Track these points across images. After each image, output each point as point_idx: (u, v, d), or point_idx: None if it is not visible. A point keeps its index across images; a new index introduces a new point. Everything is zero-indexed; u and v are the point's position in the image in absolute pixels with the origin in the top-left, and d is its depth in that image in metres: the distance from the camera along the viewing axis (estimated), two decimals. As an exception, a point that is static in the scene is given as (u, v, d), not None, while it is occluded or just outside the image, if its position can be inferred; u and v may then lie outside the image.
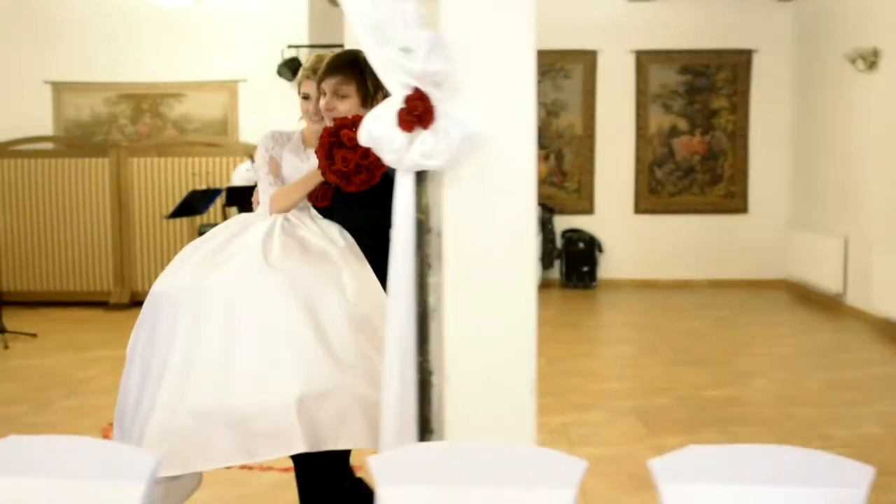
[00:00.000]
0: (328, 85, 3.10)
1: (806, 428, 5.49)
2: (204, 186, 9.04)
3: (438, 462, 1.90)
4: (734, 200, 11.28)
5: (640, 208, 11.27)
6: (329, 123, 3.03)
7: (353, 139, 2.77)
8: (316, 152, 2.96)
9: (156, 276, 10.28)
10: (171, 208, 9.48)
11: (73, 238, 9.93)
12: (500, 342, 2.44)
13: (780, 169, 11.14)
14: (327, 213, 3.21)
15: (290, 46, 9.80)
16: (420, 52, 2.28)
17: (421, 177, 2.41)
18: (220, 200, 8.73)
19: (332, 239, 3.06)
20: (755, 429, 5.51)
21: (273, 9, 10.03)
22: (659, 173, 11.30)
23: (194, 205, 8.28)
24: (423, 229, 2.42)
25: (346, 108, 3.06)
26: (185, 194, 8.84)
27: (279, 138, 3.32)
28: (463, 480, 1.86)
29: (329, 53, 3.29)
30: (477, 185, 2.40)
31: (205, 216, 8.80)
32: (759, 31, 11.05)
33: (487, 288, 2.43)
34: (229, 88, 10.15)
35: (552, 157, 11.33)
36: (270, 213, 3.13)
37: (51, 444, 2.06)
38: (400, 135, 2.33)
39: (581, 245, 11.12)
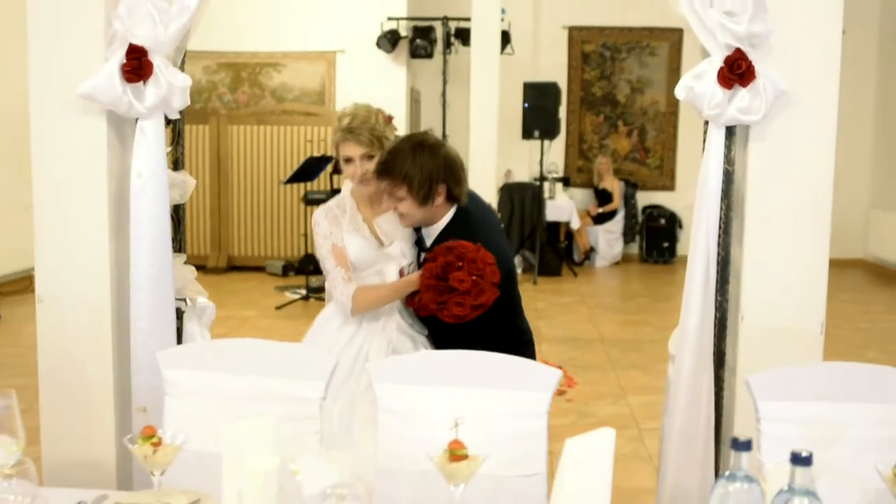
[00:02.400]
0: (382, 185, 2.94)
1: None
2: (319, 153, 9.21)
3: (812, 380, 2.14)
4: (814, 180, 11.40)
5: (720, 186, 11.40)
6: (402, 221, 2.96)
7: (464, 280, 2.67)
8: (421, 290, 2.77)
9: (252, 242, 10.43)
10: (275, 175, 9.77)
11: (173, 202, 10.18)
12: (794, 285, 2.67)
13: (863, 149, 11.26)
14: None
15: (389, 18, 9.99)
16: (745, 15, 2.49)
17: (730, 131, 2.62)
18: (329, 167, 8.95)
19: None
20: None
21: (372, -20, 10.20)
22: (740, 152, 11.45)
23: (310, 171, 8.50)
24: (729, 179, 2.64)
25: (405, 208, 2.92)
26: (300, 161, 9.07)
27: (333, 218, 3.04)
28: (838, 398, 2.09)
29: (358, 111, 3.05)
30: (781, 140, 2.61)
31: (314, 183, 9.00)
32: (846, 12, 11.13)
33: (785, 234, 2.65)
34: (327, 59, 10.36)
35: (635, 133, 11.50)
36: (352, 314, 2.94)
37: (248, 346, 2.32)
38: (720, 91, 2.54)
39: (662, 221, 11.30)
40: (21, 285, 8.50)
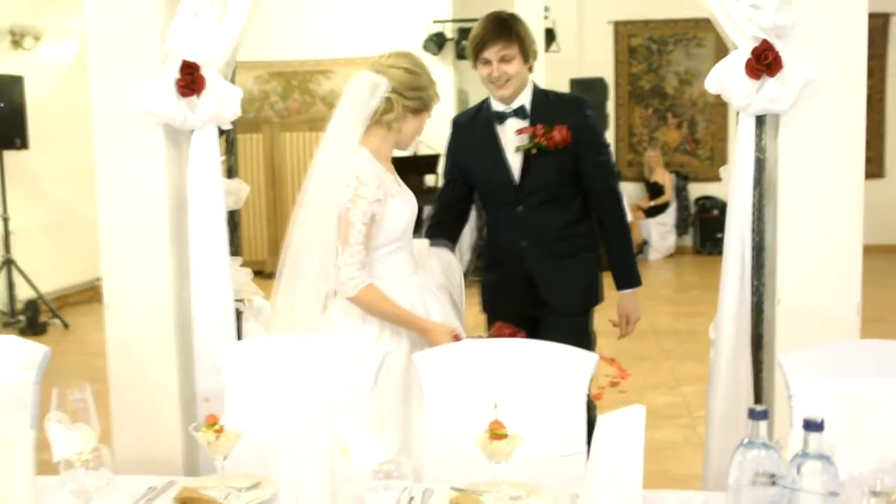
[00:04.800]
0: (491, 53, 3.13)
1: None
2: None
3: (843, 358, 2.21)
4: (870, 165, 11.26)
5: (773, 175, 11.34)
6: (503, 90, 3.17)
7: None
8: None
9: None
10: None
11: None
12: (829, 268, 2.73)
13: (916, 132, 11.10)
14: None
15: (435, 21, 10.13)
16: (770, 7, 2.56)
17: (760, 120, 2.69)
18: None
19: None
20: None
21: (417, -16, 10.35)
22: (792, 139, 11.38)
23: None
24: (761, 167, 2.71)
25: (517, 67, 3.15)
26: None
27: (382, 184, 2.69)
28: (869, 375, 2.16)
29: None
30: (810, 128, 2.68)
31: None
32: (896, -5, 11.01)
33: (818, 218, 2.71)
34: (376, 64, 10.52)
35: (685, 125, 11.49)
36: (349, 301, 2.68)
37: (301, 340, 2.43)
38: (748, 82, 2.62)
39: (715, 212, 11.26)
40: (87, 295, 8.81)
